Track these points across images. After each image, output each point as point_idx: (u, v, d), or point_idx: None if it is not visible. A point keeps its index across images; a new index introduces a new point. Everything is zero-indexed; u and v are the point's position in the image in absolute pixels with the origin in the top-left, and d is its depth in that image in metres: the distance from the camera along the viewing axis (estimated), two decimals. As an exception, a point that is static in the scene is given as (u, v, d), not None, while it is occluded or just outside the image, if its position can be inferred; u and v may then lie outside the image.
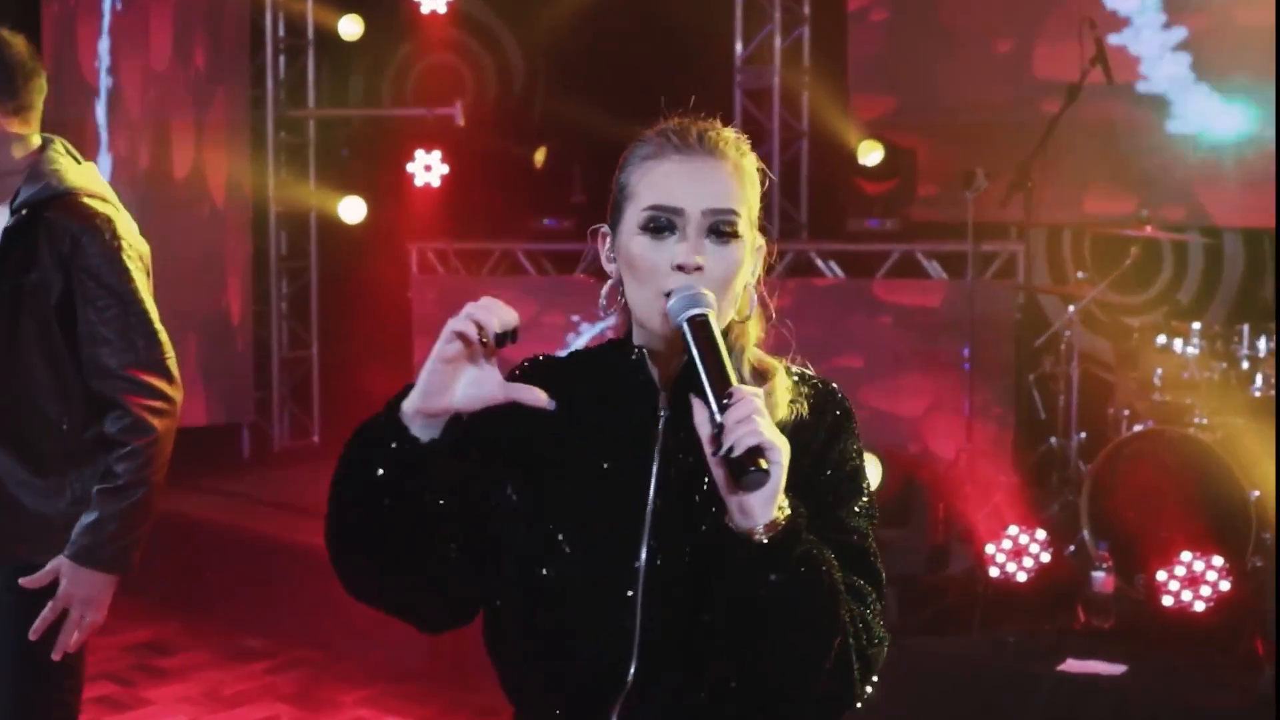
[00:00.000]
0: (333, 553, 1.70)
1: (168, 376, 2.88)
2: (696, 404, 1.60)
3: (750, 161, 1.77)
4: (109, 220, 2.90)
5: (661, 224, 1.69)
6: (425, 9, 7.43)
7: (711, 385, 1.60)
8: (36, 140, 2.95)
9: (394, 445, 1.63)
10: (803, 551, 1.59)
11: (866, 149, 7.34)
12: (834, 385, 1.82)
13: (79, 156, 3.01)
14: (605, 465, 1.72)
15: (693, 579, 1.66)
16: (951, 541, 4.47)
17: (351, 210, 7.50)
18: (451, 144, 7.51)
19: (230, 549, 6.30)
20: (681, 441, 1.70)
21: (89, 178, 2.98)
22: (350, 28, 7.44)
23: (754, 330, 1.80)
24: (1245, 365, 4.95)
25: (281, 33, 7.70)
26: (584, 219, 7.73)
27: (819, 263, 7.37)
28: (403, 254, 7.61)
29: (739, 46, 8.19)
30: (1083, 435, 5.32)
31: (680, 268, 1.67)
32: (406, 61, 7.82)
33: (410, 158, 7.43)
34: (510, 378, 1.74)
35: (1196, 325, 5.13)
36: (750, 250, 1.73)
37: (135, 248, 2.96)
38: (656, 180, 1.72)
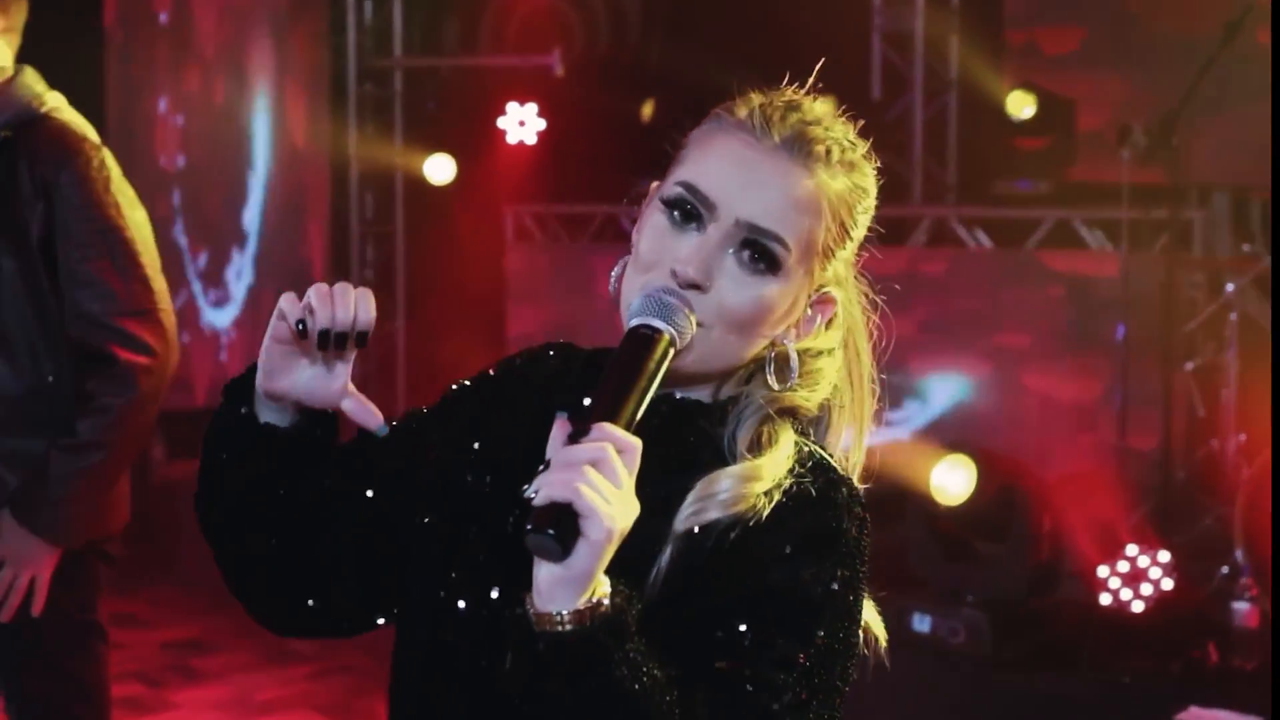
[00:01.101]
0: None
1: (158, 330, 2.71)
2: (557, 426, 1.29)
3: (848, 185, 1.43)
4: (97, 148, 2.78)
5: (686, 208, 1.40)
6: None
7: (588, 412, 1.30)
8: (10, 68, 2.81)
9: (225, 418, 1.54)
10: (599, 670, 1.23)
11: (1017, 101, 6.89)
12: (848, 492, 1.42)
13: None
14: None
15: None
16: (1060, 560, 4.08)
17: (438, 169, 7.36)
18: (549, 96, 7.29)
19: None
20: None
21: (67, 106, 2.86)
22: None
23: (801, 400, 1.46)
24: None
25: (367, -26, 7.61)
26: (696, 180, 7.55)
27: (961, 231, 6.95)
28: (496, 218, 7.45)
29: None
30: (1243, 437, 4.83)
31: (674, 274, 1.38)
32: (503, 5, 7.63)
33: (502, 112, 7.24)
34: (514, 359, 1.60)
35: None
36: (799, 298, 1.43)
37: (125, 184, 2.80)
38: (710, 156, 1.43)
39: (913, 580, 4.37)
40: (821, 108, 1.47)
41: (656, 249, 1.41)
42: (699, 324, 1.39)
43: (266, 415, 1.52)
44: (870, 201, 1.48)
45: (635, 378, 1.33)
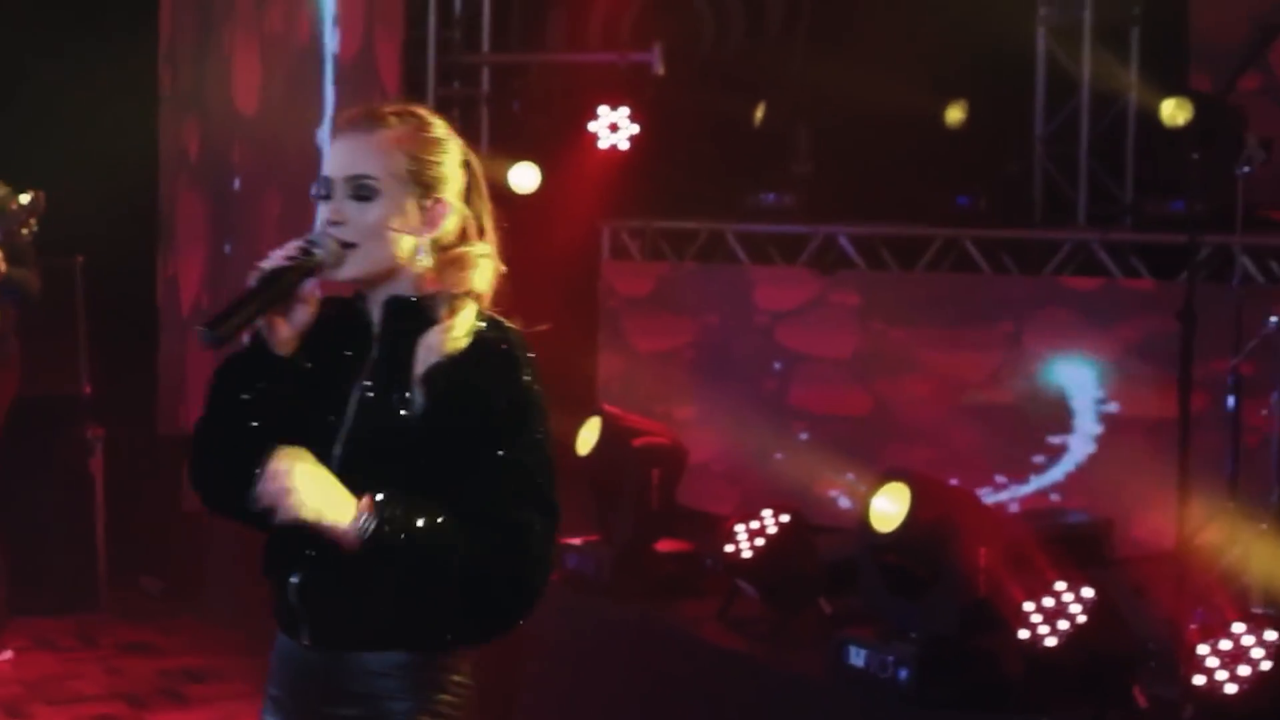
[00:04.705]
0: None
1: None
2: None
3: (412, 129, 2.86)
4: None
5: (319, 192, 2.87)
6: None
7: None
8: None
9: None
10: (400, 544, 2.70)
11: (1173, 108, 7.81)
12: (510, 331, 2.86)
13: None
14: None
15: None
16: (997, 597, 5.04)
17: (524, 178, 8.69)
18: (646, 98, 8.54)
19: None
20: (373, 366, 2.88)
21: None
22: (528, -47, 8.67)
23: (474, 279, 2.87)
24: None
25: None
26: (810, 193, 8.68)
27: (1104, 258, 7.85)
28: (591, 233, 8.73)
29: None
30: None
31: (325, 224, 2.86)
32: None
33: (594, 115, 8.52)
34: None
35: None
36: (406, 206, 2.83)
37: None
38: (324, 156, 2.93)
39: (859, 613, 5.45)
40: (390, 102, 2.94)
41: (316, 222, 2.85)
42: (351, 245, 2.81)
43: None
44: (432, 132, 2.88)
45: (256, 290, 2.79)
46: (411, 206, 2.83)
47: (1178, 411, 5.74)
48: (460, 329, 2.79)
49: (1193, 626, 4.81)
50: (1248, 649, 4.62)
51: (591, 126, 8.55)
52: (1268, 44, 6.22)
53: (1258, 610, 5.19)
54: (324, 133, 8.62)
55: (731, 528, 5.95)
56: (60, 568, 7.81)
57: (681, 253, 8.65)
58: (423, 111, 2.93)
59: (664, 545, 6.32)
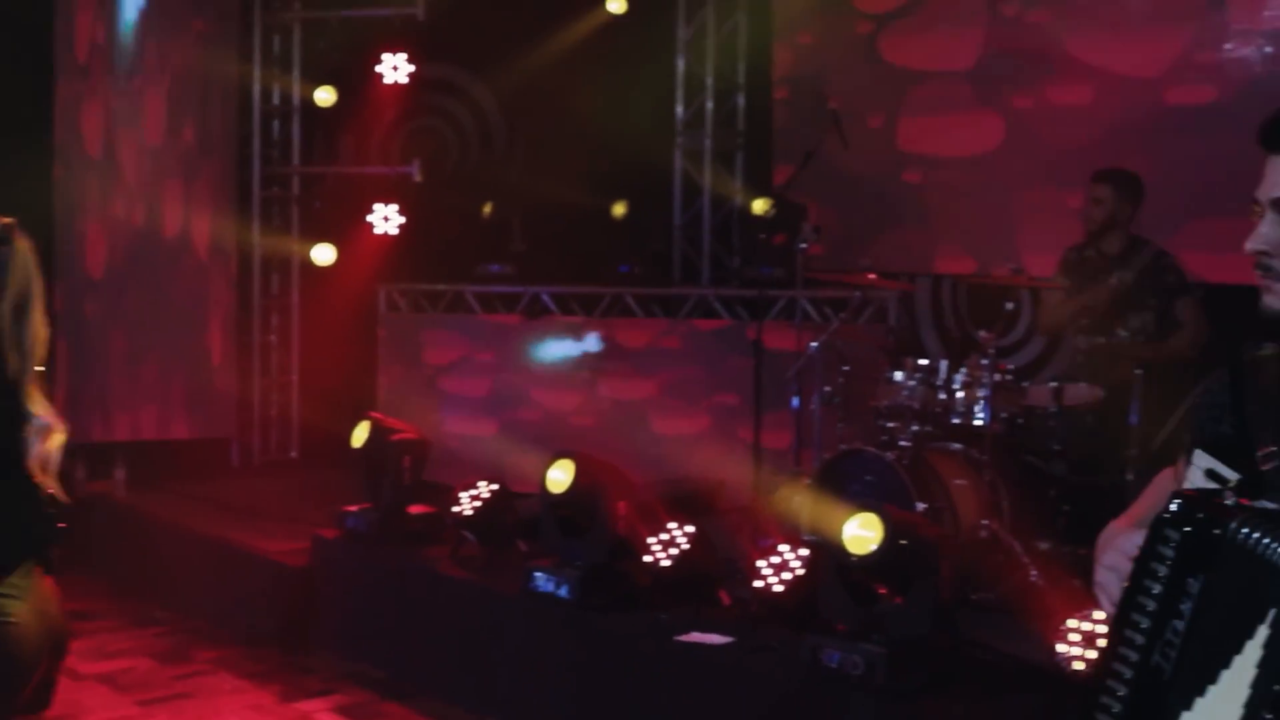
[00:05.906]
0: None
1: None
2: None
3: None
4: None
5: None
6: (388, 80, 8.65)
7: None
8: None
9: None
10: None
11: (760, 205, 8.23)
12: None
13: None
14: None
15: None
16: (633, 535, 5.30)
17: (323, 254, 8.75)
18: (409, 198, 8.68)
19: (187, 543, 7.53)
20: None
21: None
22: (323, 95, 8.73)
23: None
24: (942, 396, 5.65)
25: (276, 100, 9.05)
26: (523, 265, 8.89)
27: (719, 307, 8.20)
28: (368, 292, 8.81)
29: (680, 110, 9.16)
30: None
31: None
32: (377, 126, 9.06)
33: (372, 210, 8.63)
34: None
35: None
36: None
37: None
38: None
39: (543, 550, 5.65)
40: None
41: None
42: None
43: None
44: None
45: None
46: None
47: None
48: None
49: (757, 549, 5.09)
50: (789, 562, 4.93)
51: (370, 218, 8.68)
52: (806, 164, 6.57)
53: (805, 537, 5.54)
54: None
55: (458, 494, 6.10)
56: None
57: (435, 306, 8.77)
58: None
59: (414, 509, 6.41)
